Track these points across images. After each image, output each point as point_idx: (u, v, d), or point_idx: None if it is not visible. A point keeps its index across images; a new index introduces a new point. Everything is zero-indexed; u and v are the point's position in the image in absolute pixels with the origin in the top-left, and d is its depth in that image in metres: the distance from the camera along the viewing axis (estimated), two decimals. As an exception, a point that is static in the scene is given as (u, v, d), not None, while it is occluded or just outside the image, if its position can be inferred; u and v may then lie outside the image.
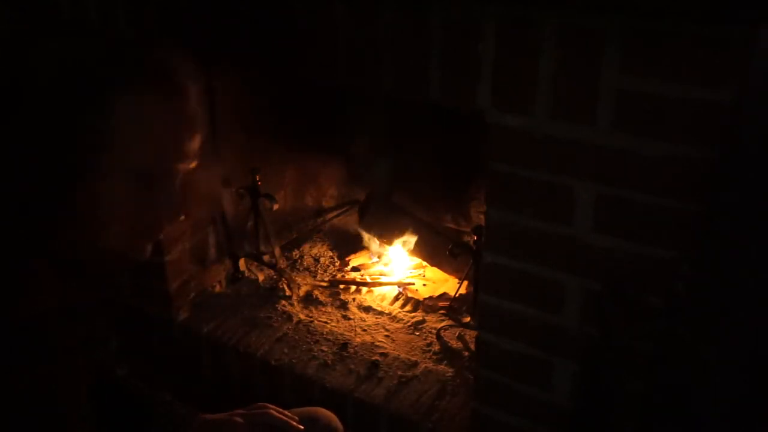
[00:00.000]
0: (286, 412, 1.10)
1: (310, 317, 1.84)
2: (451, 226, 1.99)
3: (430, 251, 2.02)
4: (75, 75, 0.69)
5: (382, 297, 1.94)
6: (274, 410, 1.09)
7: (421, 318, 1.83)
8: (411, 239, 2.02)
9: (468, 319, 1.77)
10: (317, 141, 2.04)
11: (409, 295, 1.95)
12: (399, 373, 1.63)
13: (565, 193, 1.13)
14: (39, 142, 0.69)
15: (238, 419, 1.06)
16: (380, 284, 1.98)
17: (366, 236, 2.09)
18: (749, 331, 1.32)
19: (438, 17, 1.14)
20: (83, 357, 0.82)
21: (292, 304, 1.89)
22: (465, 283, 1.81)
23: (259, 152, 1.93)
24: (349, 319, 1.84)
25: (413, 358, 1.68)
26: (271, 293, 1.93)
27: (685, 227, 1.05)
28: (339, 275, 2.03)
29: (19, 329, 0.69)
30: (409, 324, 1.82)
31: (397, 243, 2.04)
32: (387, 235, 2.05)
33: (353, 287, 1.97)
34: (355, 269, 2.06)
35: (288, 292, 1.92)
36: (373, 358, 1.68)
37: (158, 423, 1.03)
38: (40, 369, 0.71)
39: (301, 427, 1.08)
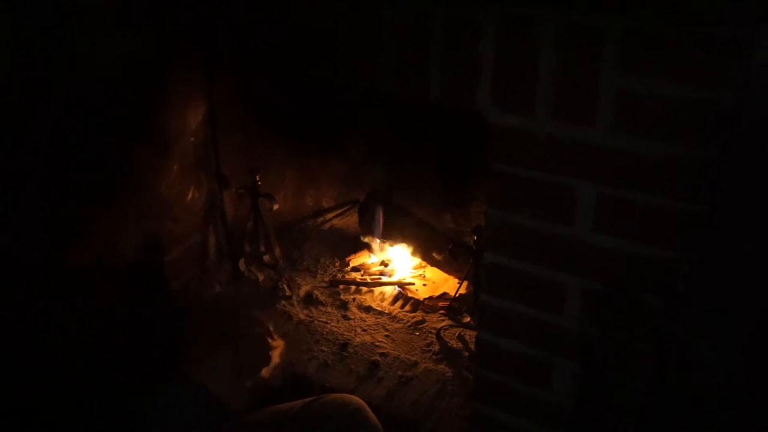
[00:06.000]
0: None
1: (310, 317, 1.84)
2: (451, 226, 1.99)
3: (430, 251, 2.02)
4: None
5: (382, 297, 1.94)
6: None
7: (421, 318, 1.83)
8: (411, 239, 2.02)
9: (468, 319, 1.77)
10: (317, 141, 2.04)
11: (409, 295, 1.95)
12: (399, 373, 1.63)
13: (565, 193, 1.13)
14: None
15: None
16: (380, 284, 1.98)
17: (374, 244, 2.08)
18: (749, 331, 1.32)
19: (438, 17, 1.14)
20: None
21: (292, 304, 1.89)
22: (465, 283, 1.81)
23: (259, 152, 1.93)
24: (349, 319, 1.84)
25: (413, 358, 1.68)
26: (271, 293, 1.93)
27: (685, 227, 1.05)
28: (339, 275, 2.03)
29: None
30: (409, 324, 1.82)
31: (397, 243, 2.04)
32: (387, 235, 2.05)
33: (353, 287, 1.97)
34: (355, 269, 2.06)
35: (288, 292, 1.92)
36: (373, 358, 1.68)
37: None
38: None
39: None
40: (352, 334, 1.77)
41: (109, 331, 1.59)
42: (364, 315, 1.86)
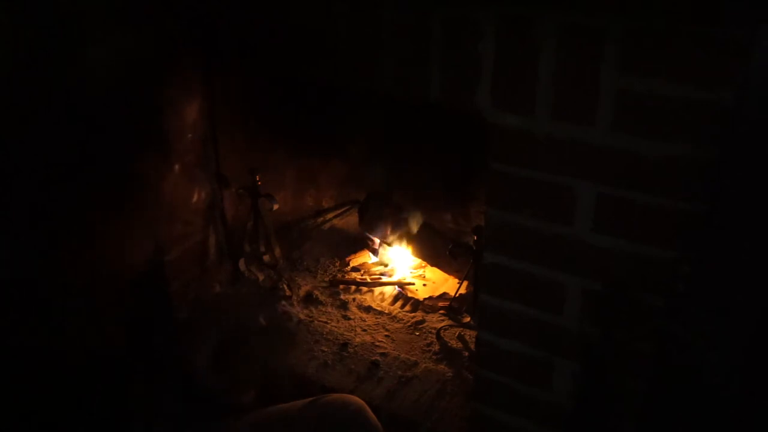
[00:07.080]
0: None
1: (310, 317, 1.84)
2: (451, 226, 1.99)
3: (430, 251, 2.02)
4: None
5: (382, 297, 1.94)
6: None
7: (421, 318, 1.83)
8: (410, 239, 2.02)
9: (468, 319, 1.77)
10: (317, 141, 2.04)
11: (409, 295, 1.95)
12: (399, 373, 1.63)
13: (565, 193, 1.13)
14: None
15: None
16: (380, 284, 1.98)
17: (379, 244, 2.08)
18: (749, 331, 1.32)
19: (438, 17, 1.14)
20: None
21: (292, 304, 1.89)
22: (465, 283, 1.81)
23: (259, 152, 1.93)
24: (349, 319, 1.84)
25: (413, 358, 1.68)
26: (271, 293, 1.93)
27: (685, 227, 1.05)
28: (339, 275, 2.03)
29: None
30: (409, 324, 1.82)
31: (397, 243, 2.04)
32: (387, 235, 2.05)
33: (353, 287, 1.97)
34: (355, 269, 2.06)
35: (288, 292, 1.92)
36: (373, 358, 1.68)
37: None
38: None
39: None
40: (352, 334, 1.77)
41: (110, 331, 1.59)
42: (364, 315, 1.86)
